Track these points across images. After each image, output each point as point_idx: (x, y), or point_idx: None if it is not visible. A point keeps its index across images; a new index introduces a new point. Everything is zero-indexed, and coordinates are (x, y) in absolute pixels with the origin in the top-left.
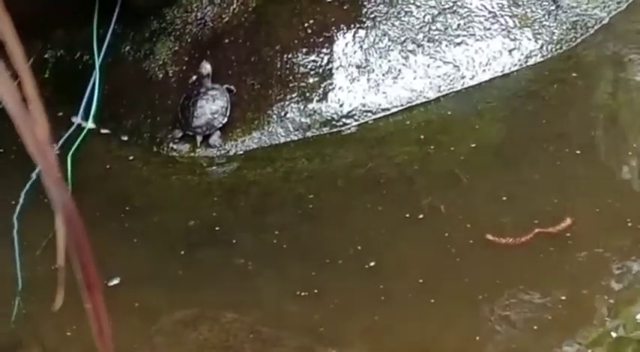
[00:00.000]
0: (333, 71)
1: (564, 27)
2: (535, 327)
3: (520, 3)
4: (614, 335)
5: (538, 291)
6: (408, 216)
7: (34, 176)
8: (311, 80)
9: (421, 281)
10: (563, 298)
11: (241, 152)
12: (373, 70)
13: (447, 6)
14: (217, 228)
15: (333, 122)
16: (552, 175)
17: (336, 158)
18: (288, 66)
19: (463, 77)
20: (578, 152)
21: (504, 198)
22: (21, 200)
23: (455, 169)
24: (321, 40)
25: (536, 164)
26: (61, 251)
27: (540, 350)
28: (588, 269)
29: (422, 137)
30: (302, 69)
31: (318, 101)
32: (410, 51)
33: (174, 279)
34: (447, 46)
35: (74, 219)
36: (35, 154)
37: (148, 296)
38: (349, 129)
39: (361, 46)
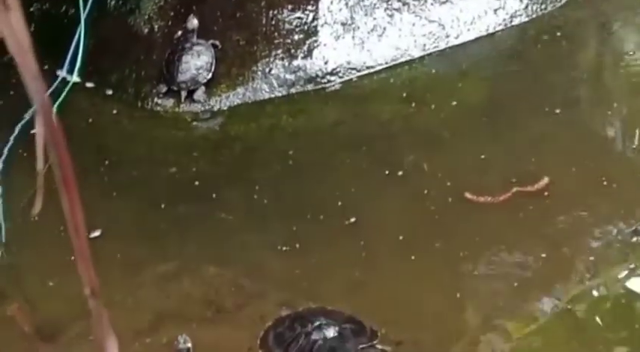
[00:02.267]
0: (318, 28)
1: None
2: (515, 284)
3: None
4: (594, 293)
5: (518, 249)
6: (388, 173)
7: (16, 130)
8: (296, 37)
9: (401, 237)
10: (544, 256)
11: (225, 108)
12: (358, 28)
13: None
14: (200, 183)
15: (318, 79)
16: (531, 134)
17: (320, 115)
18: (273, 22)
19: (448, 36)
20: (557, 111)
21: (483, 157)
22: (4, 153)
23: (436, 128)
24: None
25: (516, 123)
26: (40, 151)
27: (521, 306)
28: (567, 227)
29: (405, 95)
30: (287, 25)
31: (302, 58)
32: (395, 9)
33: (156, 233)
34: (432, 4)
35: (50, 117)
36: (15, 53)
37: (129, 249)
38: (333, 86)
39: (346, 4)
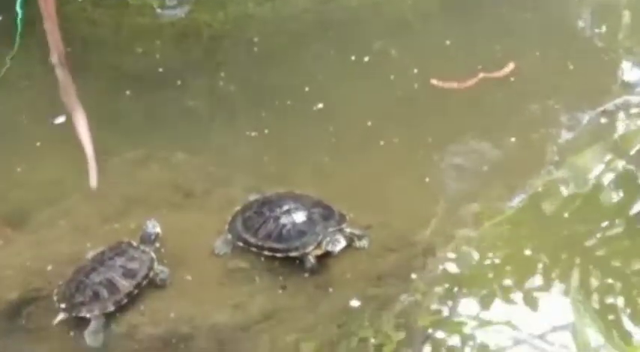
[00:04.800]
0: None
1: None
2: (485, 169)
3: None
4: (563, 184)
5: (486, 135)
6: (354, 59)
7: None
8: None
9: (369, 123)
10: (512, 140)
11: None
12: None
13: None
14: (165, 70)
15: None
16: (497, 20)
17: (287, 2)
18: None
19: None
20: None
21: (449, 43)
22: None
23: (404, 14)
24: None
25: (482, 9)
26: None
27: (489, 193)
28: (535, 113)
29: None
30: None
31: None
32: None
33: (122, 120)
34: None
35: None
36: None
37: (96, 135)
38: None
39: None
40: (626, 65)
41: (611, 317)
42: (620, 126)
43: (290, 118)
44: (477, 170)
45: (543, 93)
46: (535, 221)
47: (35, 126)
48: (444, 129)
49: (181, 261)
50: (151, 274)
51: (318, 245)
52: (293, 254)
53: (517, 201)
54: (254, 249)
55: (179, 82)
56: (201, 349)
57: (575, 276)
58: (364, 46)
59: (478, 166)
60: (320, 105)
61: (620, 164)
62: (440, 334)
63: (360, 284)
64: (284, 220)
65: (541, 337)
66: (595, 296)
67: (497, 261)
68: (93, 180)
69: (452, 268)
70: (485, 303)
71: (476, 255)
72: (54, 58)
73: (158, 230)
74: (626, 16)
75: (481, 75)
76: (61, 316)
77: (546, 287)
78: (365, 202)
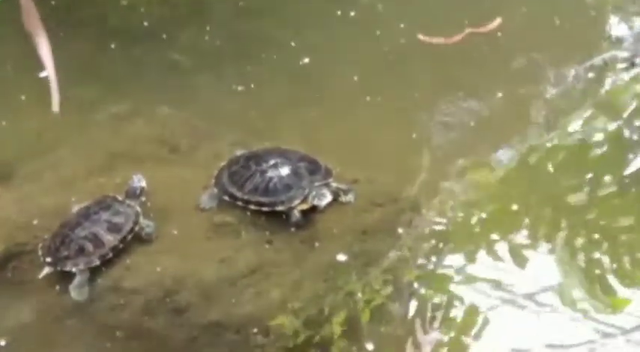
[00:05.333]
0: None
1: None
2: (472, 124)
3: None
4: (549, 139)
5: (473, 89)
6: (340, 13)
7: None
8: None
9: (355, 78)
10: (500, 95)
11: None
12: None
13: None
14: (150, 24)
15: None
16: None
17: None
18: None
19: None
20: None
21: None
22: None
23: None
24: None
25: None
26: None
27: (477, 148)
28: (523, 68)
29: None
30: None
31: None
32: None
33: (107, 73)
34: None
35: None
36: None
37: (80, 89)
38: None
39: None
40: (614, 20)
41: (597, 271)
42: (608, 82)
43: (276, 73)
44: (463, 125)
45: (530, 48)
46: (522, 176)
47: (20, 78)
48: (431, 85)
49: (167, 216)
50: (137, 228)
51: (305, 199)
52: (279, 208)
53: (504, 156)
54: (240, 204)
55: (164, 36)
56: (186, 303)
57: (562, 232)
58: (351, 1)
59: (465, 121)
60: (306, 60)
61: (607, 120)
62: (426, 288)
63: (347, 238)
64: (270, 174)
65: (528, 295)
66: (581, 252)
67: (483, 215)
68: (55, 104)
69: (438, 223)
70: (472, 258)
71: (462, 210)
72: None
73: (144, 184)
74: None
75: (468, 30)
76: (46, 270)
77: (532, 242)
78: (351, 157)
